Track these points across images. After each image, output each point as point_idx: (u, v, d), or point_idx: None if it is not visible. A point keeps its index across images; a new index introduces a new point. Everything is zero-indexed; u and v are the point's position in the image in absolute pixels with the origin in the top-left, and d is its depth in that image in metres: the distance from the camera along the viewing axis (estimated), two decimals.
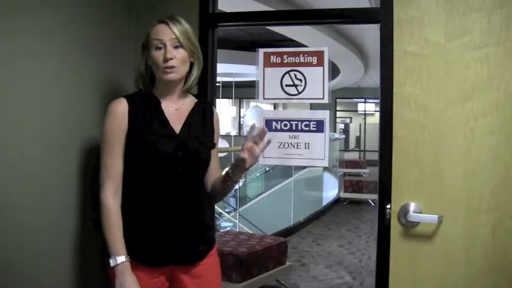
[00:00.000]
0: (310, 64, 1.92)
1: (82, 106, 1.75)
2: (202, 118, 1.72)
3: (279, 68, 1.96)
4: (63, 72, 1.66)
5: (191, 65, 1.67)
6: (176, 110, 1.67)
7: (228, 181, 1.70)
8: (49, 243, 1.62)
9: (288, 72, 1.95)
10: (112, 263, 1.53)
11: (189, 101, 1.72)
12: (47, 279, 1.62)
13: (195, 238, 1.66)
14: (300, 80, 1.93)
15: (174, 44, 1.60)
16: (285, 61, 1.95)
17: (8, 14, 1.43)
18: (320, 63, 1.92)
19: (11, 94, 1.45)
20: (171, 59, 1.59)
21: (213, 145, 1.75)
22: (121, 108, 1.60)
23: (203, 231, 1.70)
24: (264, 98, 1.98)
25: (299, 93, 1.94)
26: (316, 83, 1.92)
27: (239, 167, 1.65)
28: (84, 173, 1.75)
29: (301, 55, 1.93)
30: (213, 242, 1.75)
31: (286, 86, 1.95)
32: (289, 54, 1.94)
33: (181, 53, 1.61)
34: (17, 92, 1.48)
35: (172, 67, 1.60)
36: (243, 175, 1.73)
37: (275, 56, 1.96)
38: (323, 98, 1.92)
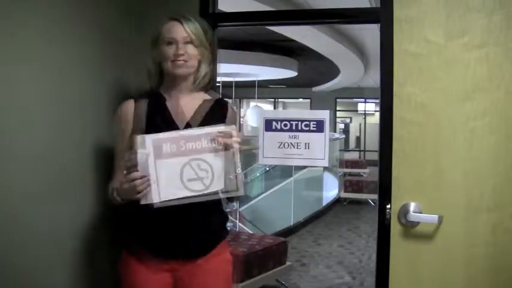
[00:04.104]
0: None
1: (81, 107, 1.75)
2: (211, 114, 1.72)
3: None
4: (63, 74, 1.66)
5: (200, 62, 1.70)
6: (182, 106, 1.70)
7: None
8: (53, 245, 1.62)
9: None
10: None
11: (199, 98, 1.74)
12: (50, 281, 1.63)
13: (200, 231, 1.68)
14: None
15: (185, 41, 1.65)
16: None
17: (13, 16, 1.43)
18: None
19: (17, 96, 1.46)
20: (182, 54, 1.64)
21: None
22: (125, 109, 1.69)
23: (207, 225, 1.70)
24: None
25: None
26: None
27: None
28: (86, 174, 1.76)
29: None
30: (219, 237, 1.75)
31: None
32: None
33: (191, 50, 1.66)
34: (21, 94, 1.48)
35: (183, 61, 1.64)
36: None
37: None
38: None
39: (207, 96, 1.76)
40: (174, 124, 1.66)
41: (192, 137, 1.55)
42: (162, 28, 1.68)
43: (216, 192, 1.58)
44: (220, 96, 1.81)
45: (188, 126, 1.67)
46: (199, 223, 1.67)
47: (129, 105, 1.69)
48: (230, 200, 1.74)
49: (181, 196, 1.54)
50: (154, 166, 1.51)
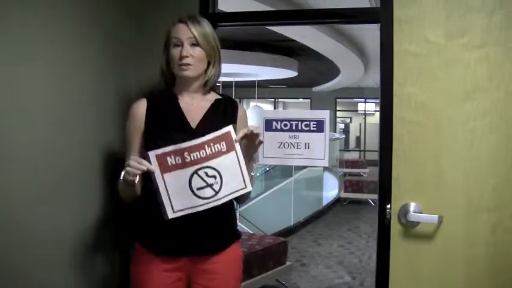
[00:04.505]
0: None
1: (82, 107, 1.75)
2: (223, 113, 1.74)
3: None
4: (64, 74, 1.66)
5: (208, 64, 1.72)
6: (194, 105, 1.72)
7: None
8: (53, 245, 1.62)
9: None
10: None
11: (210, 98, 1.76)
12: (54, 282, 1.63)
13: (210, 229, 1.69)
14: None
15: (191, 43, 1.66)
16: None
17: (13, 16, 1.43)
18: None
19: (17, 96, 1.46)
20: (187, 56, 1.65)
21: None
22: (137, 108, 1.71)
23: (218, 224, 1.72)
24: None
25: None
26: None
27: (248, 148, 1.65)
28: (87, 174, 1.76)
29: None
30: (232, 236, 1.80)
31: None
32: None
33: (197, 52, 1.67)
34: (21, 94, 1.48)
35: (187, 64, 1.66)
36: (256, 151, 1.68)
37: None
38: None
39: (217, 96, 1.78)
40: (187, 123, 1.68)
41: (194, 147, 1.56)
42: (171, 30, 1.70)
43: (226, 196, 1.60)
44: (224, 95, 1.81)
45: (200, 125, 1.68)
46: (207, 222, 1.67)
47: (142, 105, 1.71)
48: (240, 199, 1.76)
49: (194, 205, 1.57)
50: (162, 180, 1.54)
